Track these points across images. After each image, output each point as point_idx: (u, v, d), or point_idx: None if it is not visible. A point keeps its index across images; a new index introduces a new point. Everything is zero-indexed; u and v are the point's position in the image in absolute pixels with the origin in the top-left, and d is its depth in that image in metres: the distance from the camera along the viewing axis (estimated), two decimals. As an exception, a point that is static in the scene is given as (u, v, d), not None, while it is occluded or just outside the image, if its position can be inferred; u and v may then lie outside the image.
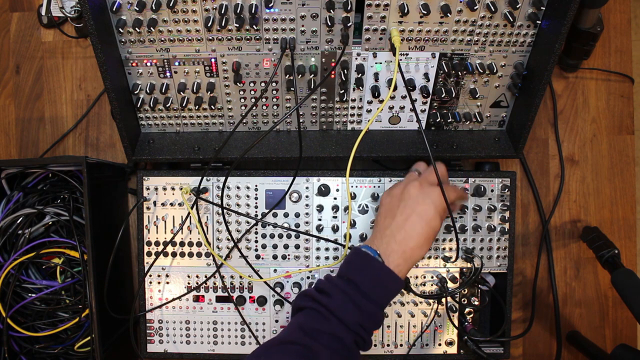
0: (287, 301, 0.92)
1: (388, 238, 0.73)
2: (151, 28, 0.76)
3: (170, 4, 0.74)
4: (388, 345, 0.92)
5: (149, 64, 0.83)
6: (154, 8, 0.75)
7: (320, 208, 0.91)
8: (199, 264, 0.92)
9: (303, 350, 0.66)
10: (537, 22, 0.78)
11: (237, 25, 0.77)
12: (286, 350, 0.66)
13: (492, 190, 0.91)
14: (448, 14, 0.76)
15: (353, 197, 0.91)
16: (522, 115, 0.86)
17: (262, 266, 0.92)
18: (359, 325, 0.68)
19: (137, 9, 0.75)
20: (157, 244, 0.91)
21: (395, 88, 0.85)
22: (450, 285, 0.91)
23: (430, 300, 0.92)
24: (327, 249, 0.91)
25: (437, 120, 0.90)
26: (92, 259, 0.81)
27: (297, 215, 0.91)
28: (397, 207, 0.75)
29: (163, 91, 0.86)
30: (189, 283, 0.92)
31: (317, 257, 0.92)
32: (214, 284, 0.92)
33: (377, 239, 0.75)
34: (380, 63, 0.84)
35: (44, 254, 0.89)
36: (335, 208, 0.91)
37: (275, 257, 0.92)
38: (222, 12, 0.75)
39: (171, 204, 0.91)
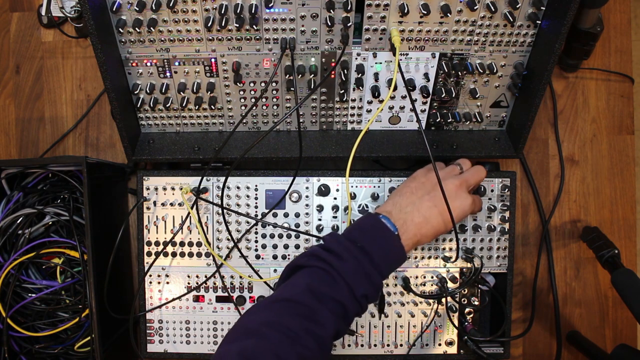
0: (287, 301, 0.91)
1: (406, 215, 0.73)
2: (151, 28, 0.76)
3: (170, 4, 0.74)
4: (388, 345, 0.92)
5: (149, 64, 0.83)
6: (154, 8, 0.75)
7: (320, 208, 0.91)
8: (199, 264, 0.92)
9: (308, 312, 0.64)
10: (537, 22, 0.78)
11: (237, 25, 0.77)
12: (291, 309, 0.64)
13: (492, 190, 0.91)
14: (448, 14, 0.76)
15: (353, 197, 0.91)
16: (522, 115, 0.86)
17: (262, 266, 0.92)
18: (365, 296, 0.67)
19: (137, 9, 0.75)
20: (157, 244, 0.91)
21: (395, 88, 0.85)
22: (450, 285, 0.91)
23: (430, 300, 0.92)
24: (327, 249, 0.91)
25: (437, 120, 0.90)
26: (92, 259, 0.80)
27: (297, 215, 0.91)
28: (428, 192, 0.75)
29: (163, 91, 0.86)
30: (189, 283, 0.92)
31: (317, 257, 0.92)
32: (214, 284, 0.92)
33: (395, 210, 0.74)
34: (380, 63, 0.84)
35: (44, 254, 0.89)
36: (335, 208, 0.91)
37: (275, 257, 0.92)
38: (222, 12, 0.75)
39: (171, 204, 0.91)
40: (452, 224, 0.75)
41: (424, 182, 0.77)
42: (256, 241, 0.92)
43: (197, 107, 0.88)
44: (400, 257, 0.72)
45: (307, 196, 0.91)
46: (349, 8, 0.74)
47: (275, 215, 0.91)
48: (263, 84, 0.86)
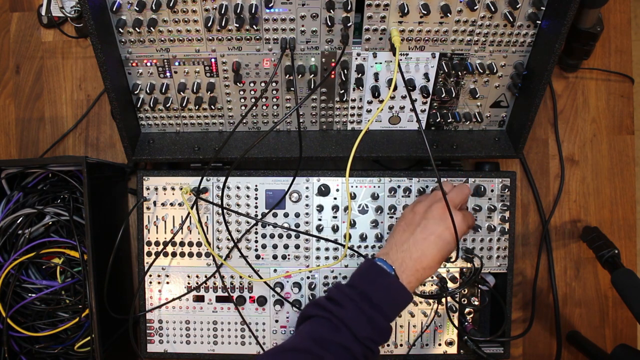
0: (287, 301, 0.92)
1: (404, 254, 0.74)
2: (151, 28, 0.76)
3: (170, 4, 0.74)
4: (388, 345, 0.92)
5: (149, 64, 0.83)
6: (154, 8, 0.75)
7: (320, 208, 0.91)
8: (199, 264, 0.92)
9: (311, 359, 0.66)
10: (537, 22, 0.78)
11: (237, 25, 0.77)
12: (296, 358, 0.66)
13: (492, 190, 0.91)
14: (448, 14, 0.76)
15: (353, 197, 0.91)
16: (522, 115, 0.86)
17: (262, 266, 0.92)
18: (369, 339, 0.68)
19: (137, 9, 0.75)
20: (157, 244, 0.91)
21: (395, 88, 0.85)
22: (450, 285, 0.91)
23: (430, 300, 0.92)
24: (327, 249, 0.91)
25: (437, 120, 0.90)
26: (92, 259, 0.80)
27: (297, 215, 0.91)
28: (418, 225, 0.76)
29: (163, 91, 0.86)
30: (189, 283, 0.92)
31: (317, 257, 0.92)
32: (214, 284, 0.92)
33: (392, 252, 0.75)
34: (380, 63, 0.84)
35: (44, 254, 0.89)
36: (335, 208, 0.91)
37: (275, 257, 0.92)
38: (222, 12, 0.75)
39: (171, 204, 0.91)
40: (452, 245, 0.75)
41: (412, 217, 0.78)
42: (256, 241, 0.92)
43: (197, 107, 0.88)
44: (402, 296, 0.72)
45: (307, 196, 0.91)
46: (349, 8, 0.74)
47: (275, 215, 0.91)
48: (263, 84, 0.86)
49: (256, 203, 0.91)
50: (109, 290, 0.85)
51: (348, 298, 0.70)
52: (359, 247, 0.91)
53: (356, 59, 0.83)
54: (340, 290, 0.72)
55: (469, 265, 0.90)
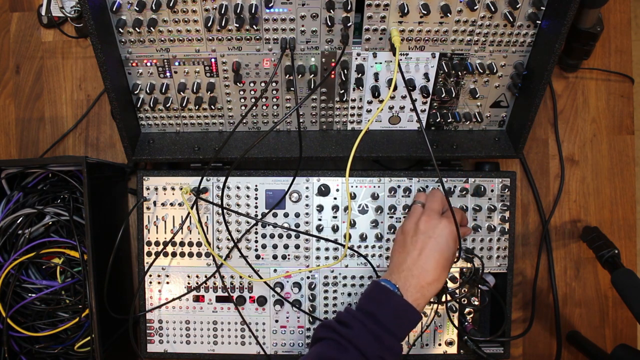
0: (287, 301, 0.92)
1: (405, 272, 0.74)
2: (151, 28, 0.76)
3: (170, 4, 0.74)
4: (388, 345, 0.92)
5: (149, 64, 0.83)
6: (154, 8, 0.75)
7: (320, 208, 0.91)
8: (199, 264, 0.92)
9: None
10: (537, 22, 0.78)
11: (237, 25, 0.77)
12: None
13: (492, 190, 0.91)
14: (448, 14, 0.76)
15: (353, 197, 0.91)
16: (522, 115, 0.86)
17: (262, 266, 0.92)
18: (379, 356, 0.68)
19: (137, 9, 0.75)
20: (157, 244, 0.91)
21: (395, 88, 0.85)
22: (450, 285, 0.91)
23: (430, 300, 0.92)
24: (327, 249, 0.92)
25: (437, 120, 0.90)
26: (92, 259, 0.80)
27: (297, 215, 0.91)
28: (411, 243, 0.76)
29: (163, 91, 0.85)
30: (189, 283, 0.92)
31: (317, 257, 0.92)
32: (214, 284, 0.92)
33: (394, 273, 0.75)
34: (380, 63, 0.84)
35: (44, 254, 0.89)
36: (335, 208, 0.91)
37: (275, 257, 0.92)
38: (222, 12, 0.75)
39: (171, 204, 0.91)
40: (450, 252, 0.75)
41: (404, 238, 0.78)
42: (256, 241, 0.92)
43: (197, 107, 0.88)
44: (409, 314, 0.72)
45: (307, 196, 0.91)
46: (349, 8, 0.74)
47: (275, 215, 0.91)
48: (263, 84, 0.86)
49: (256, 203, 0.91)
50: (109, 290, 0.85)
51: (355, 319, 0.71)
52: (359, 247, 0.91)
53: (356, 59, 0.83)
54: (348, 312, 0.73)
55: (469, 265, 0.90)
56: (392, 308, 0.71)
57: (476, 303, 0.92)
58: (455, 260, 0.89)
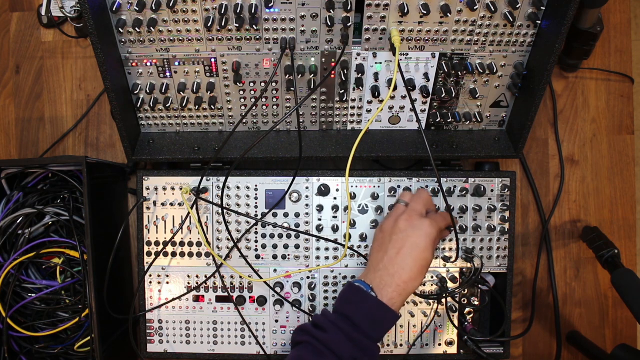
0: (287, 301, 0.92)
1: (381, 272, 0.74)
2: (151, 28, 0.76)
3: (170, 4, 0.74)
4: (388, 345, 0.92)
5: (149, 64, 0.83)
6: (154, 8, 0.75)
7: (320, 208, 0.91)
8: (199, 264, 0.92)
9: None
10: (537, 22, 0.78)
11: (237, 25, 0.77)
12: None
13: (492, 190, 0.91)
14: (448, 14, 0.76)
15: (353, 197, 0.91)
16: (522, 115, 0.86)
17: (262, 266, 0.92)
18: (354, 358, 0.68)
19: (137, 9, 0.75)
20: (157, 244, 0.91)
21: (395, 88, 0.85)
22: (450, 285, 0.91)
23: (430, 300, 0.92)
24: (327, 249, 0.92)
25: (437, 120, 0.90)
26: (92, 259, 0.81)
27: (297, 215, 0.91)
28: (389, 242, 0.76)
29: (163, 91, 0.86)
30: (189, 283, 0.92)
31: (317, 257, 0.92)
32: (214, 284, 0.92)
33: (370, 273, 0.75)
34: (380, 63, 0.84)
35: (44, 254, 0.89)
36: (335, 208, 0.91)
37: (275, 257, 0.92)
38: (222, 12, 0.75)
39: (171, 204, 0.91)
40: (429, 252, 0.75)
41: (382, 237, 0.78)
42: (256, 241, 0.92)
43: (197, 107, 0.88)
44: (384, 314, 0.72)
45: (307, 196, 0.91)
46: (349, 8, 0.74)
47: (275, 215, 0.91)
48: (263, 84, 0.86)
49: (256, 203, 0.91)
50: (109, 290, 0.85)
51: (330, 322, 0.71)
52: (359, 247, 0.91)
53: (356, 59, 0.83)
54: (324, 315, 0.73)
55: (469, 265, 0.90)
56: (366, 309, 0.71)
57: (476, 303, 0.92)
58: (454, 260, 0.89)
